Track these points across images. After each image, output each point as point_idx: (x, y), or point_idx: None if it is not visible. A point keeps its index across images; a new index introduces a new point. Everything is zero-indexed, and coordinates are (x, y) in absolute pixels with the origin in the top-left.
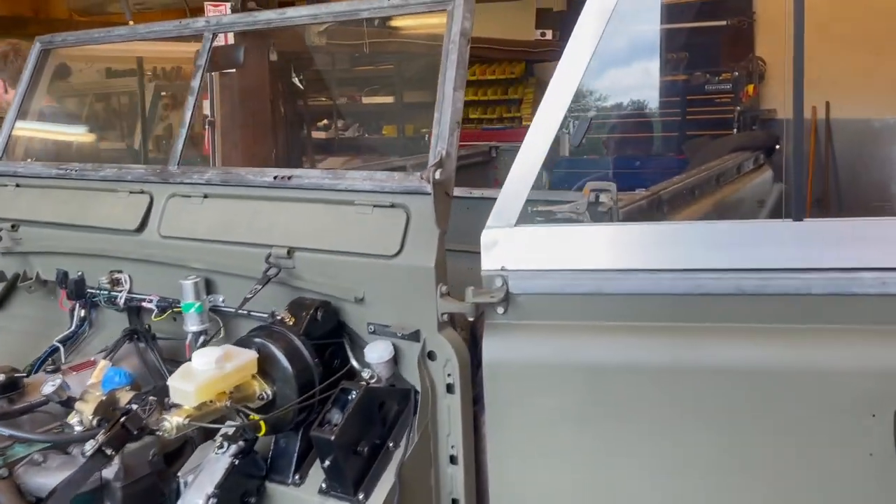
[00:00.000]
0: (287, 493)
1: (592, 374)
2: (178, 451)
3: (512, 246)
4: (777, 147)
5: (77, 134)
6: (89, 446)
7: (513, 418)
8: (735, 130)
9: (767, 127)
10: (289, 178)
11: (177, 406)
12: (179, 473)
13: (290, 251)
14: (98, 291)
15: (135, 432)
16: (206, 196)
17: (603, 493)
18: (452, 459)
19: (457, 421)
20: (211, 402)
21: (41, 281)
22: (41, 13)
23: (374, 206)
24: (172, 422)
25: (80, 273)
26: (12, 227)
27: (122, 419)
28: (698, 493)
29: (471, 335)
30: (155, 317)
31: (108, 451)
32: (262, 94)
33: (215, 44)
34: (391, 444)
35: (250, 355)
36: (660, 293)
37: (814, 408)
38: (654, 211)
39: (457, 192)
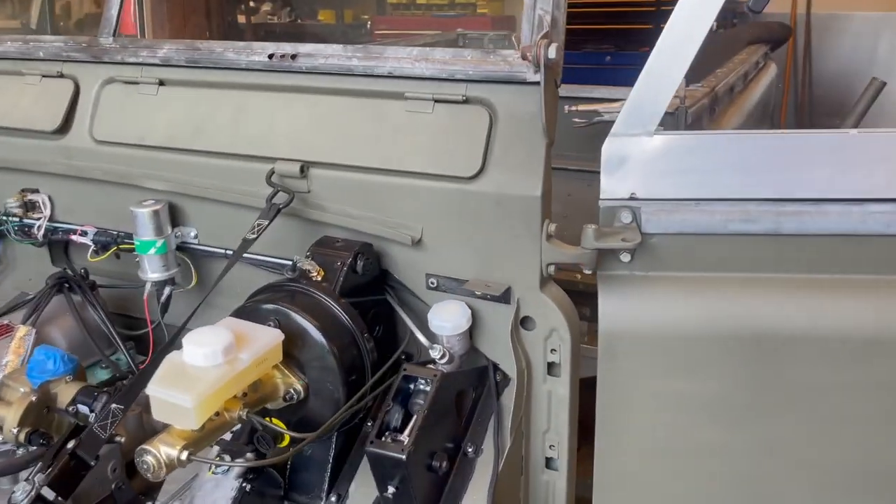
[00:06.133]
0: None
1: (753, 350)
2: None
3: (648, 163)
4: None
5: None
6: (21, 492)
7: (634, 411)
8: None
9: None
10: (293, 56)
11: (167, 428)
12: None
13: (304, 167)
14: (5, 218)
15: (91, 464)
16: (161, 83)
17: None
18: (549, 463)
19: (561, 413)
20: (218, 414)
21: None
22: None
23: (437, 100)
24: (161, 456)
25: None
26: None
27: (73, 448)
28: None
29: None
30: (91, 256)
31: (53, 498)
32: None
33: None
34: (470, 450)
35: (273, 336)
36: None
37: None
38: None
39: None
